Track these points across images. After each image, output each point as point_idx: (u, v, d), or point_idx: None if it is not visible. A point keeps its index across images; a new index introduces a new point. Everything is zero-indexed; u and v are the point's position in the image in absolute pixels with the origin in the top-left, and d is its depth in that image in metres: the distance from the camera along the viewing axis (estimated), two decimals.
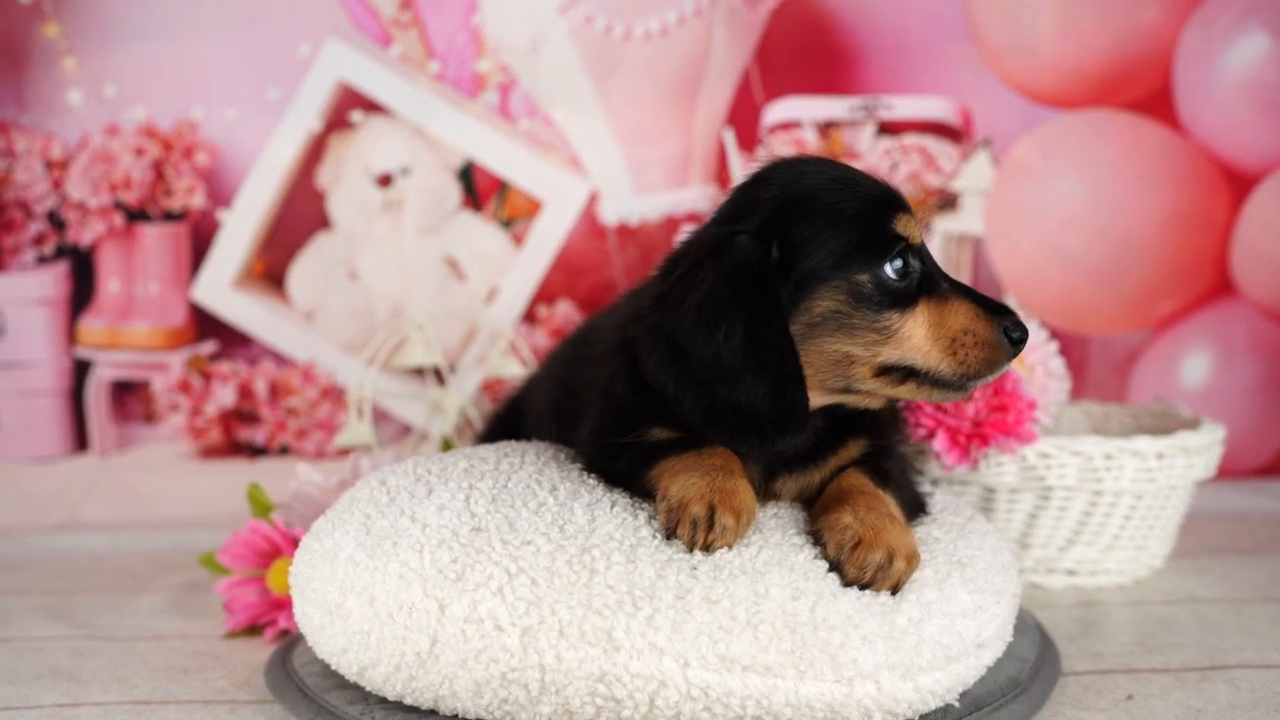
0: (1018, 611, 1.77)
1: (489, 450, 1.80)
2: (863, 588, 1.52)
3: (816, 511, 1.64)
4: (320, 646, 1.62)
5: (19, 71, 3.07)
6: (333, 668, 1.63)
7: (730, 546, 1.53)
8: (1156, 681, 1.80)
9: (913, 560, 1.55)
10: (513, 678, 1.47)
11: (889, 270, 1.59)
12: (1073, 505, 2.24)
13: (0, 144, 3.06)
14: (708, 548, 1.52)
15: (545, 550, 1.52)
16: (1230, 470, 2.75)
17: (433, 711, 1.56)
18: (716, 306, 1.56)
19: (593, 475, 1.70)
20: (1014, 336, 1.61)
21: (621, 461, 1.65)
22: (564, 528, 1.56)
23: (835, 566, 1.54)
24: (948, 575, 1.59)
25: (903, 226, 1.62)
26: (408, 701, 1.56)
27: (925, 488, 1.87)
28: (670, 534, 1.54)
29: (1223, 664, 1.87)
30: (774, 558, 1.53)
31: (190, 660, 1.95)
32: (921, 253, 1.64)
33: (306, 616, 1.62)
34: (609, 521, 1.57)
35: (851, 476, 1.68)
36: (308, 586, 1.61)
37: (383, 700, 1.61)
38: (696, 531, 1.51)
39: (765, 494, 1.70)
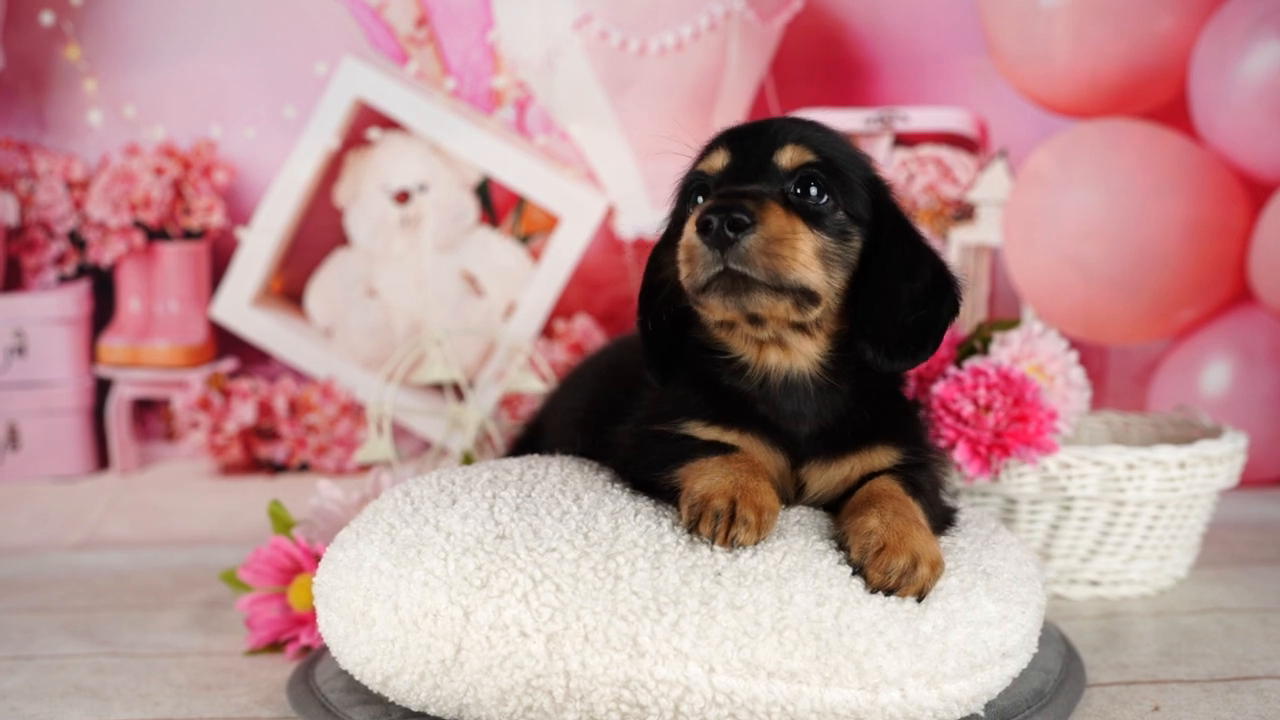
0: (1042, 624, 1.76)
1: (513, 462, 1.81)
2: (887, 593, 1.52)
3: (844, 515, 1.65)
4: (344, 656, 1.62)
5: (41, 94, 3.09)
6: (356, 678, 1.63)
7: (753, 545, 1.54)
8: (1183, 692, 1.79)
9: (937, 567, 1.55)
10: (537, 684, 1.47)
11: (690, 204, 1.70)
12: (1095, 515, 2.23)
13: (22, 165, 3.09)
14: (730, 543, 1.53)
15: (570, 557, 1.53)
16: (1253, 479, 2.73)
17: None
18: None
19: (619, 483, 1.72)
20: (700, 222, 1.55)
21: (654, 455, 1.68)
22: (588, 535, 1.56)
23: (859, 571, 1.54)
24: (973, 585, 1.59)
25: (704, 163, 1.70)
26: (431, 711, 1.56)
27: (954, 503, 1.86)
28: (692, 527, 1.55)
29: (1250, 674, 1.86)
30: (798, 563, 1.53)
31: (213, 677, 1.96)
32: (721, 178, 1.66)
33: (331, 626, 1.62)
34: (633, 529, 1.57)
35: (882, 481, 1.69)
36: (332, 595, 1.61)
37: (406, 712, 1.61)
38: (718, 524, 1.53)
39: (794, 485, 1.72)
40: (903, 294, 1.66)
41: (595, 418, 1.91)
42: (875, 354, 1.65)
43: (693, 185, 1.71)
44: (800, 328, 1.66)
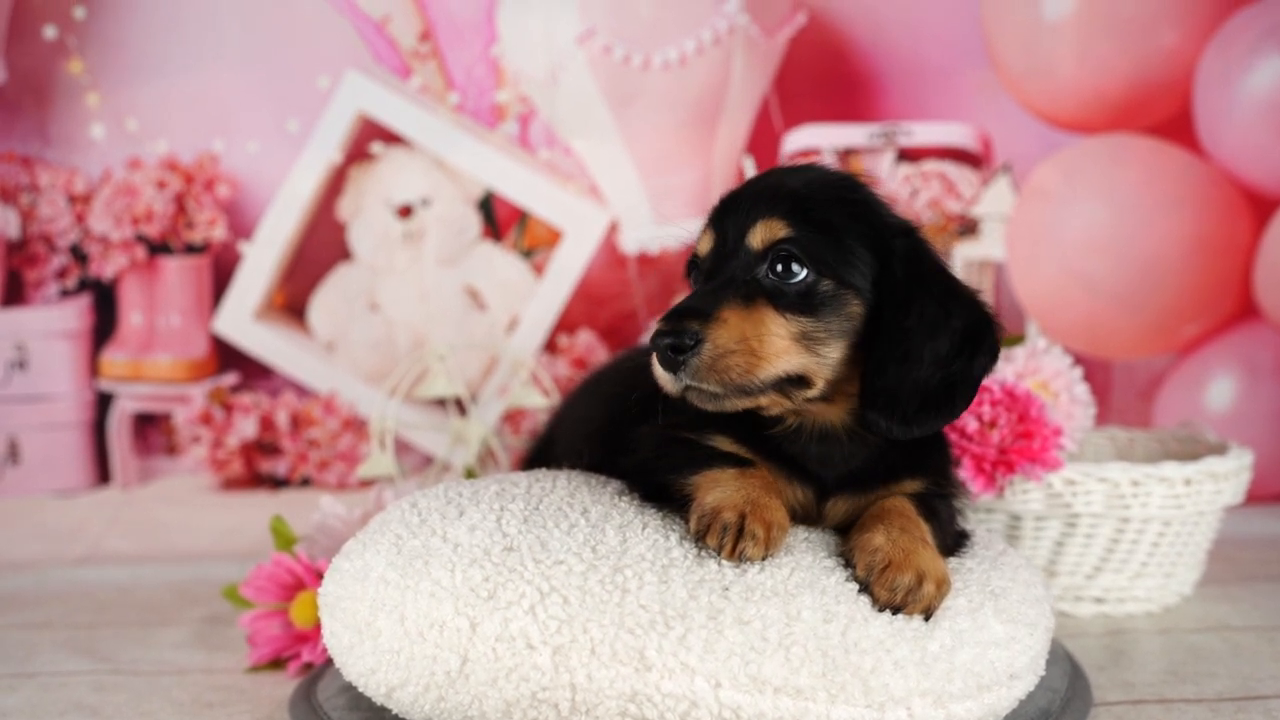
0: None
1: (520, 475, 1.81)
2: (894, 611, 1.51)
3: (851, 531, 1.64)
4: (349, 667, 1.61)
5: (44, 108, 3.10)
6: (360, 689, 1.61)
7: (760, 560, 1.53)
8: (1190, 712, 1.77)
9: (943, 585, 1.54)
10: (543, 697, 1.46)
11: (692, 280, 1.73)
12: (1100, 532, 2.22)
13: (24, 179, 3.09)
14: (737, 556, 1.52)
15: (577, 570, 1.52)
16: (1259, 495, 2.72)
17: None
18: None
19: (630, 488, 1.73)
20: (651, 345, 1.57)
21: (673, 458, 1.67)
22: (596, 548, 1.56)
23: (865, 588, 1.54)
24: (981, 605, 1.58)
25: (699, 242, 1.69)
26: None
27: (967, 526, 1.85)
28: (700, 538, 1.55)
29: (1258, 694, 1.84)
30: (806, 580, 1.52)
31: (214, 694, 1.94)
32: (705, 263, 1.66)
33: (336, 636, 1.61)
34: (641, 542, 1.57)
35: (893, 500, 1.67)
36: (337, 606, 1.60)
37: None
38: (725, 537, 1.52)
39: (816, 515, 1.71)
40: (924, 354, 1.59)
41: (608, 427, 1.90)
42: (888, 424, 1.59)
43: (690, 266, 1.72)
44: (815, 399, 1.63)
